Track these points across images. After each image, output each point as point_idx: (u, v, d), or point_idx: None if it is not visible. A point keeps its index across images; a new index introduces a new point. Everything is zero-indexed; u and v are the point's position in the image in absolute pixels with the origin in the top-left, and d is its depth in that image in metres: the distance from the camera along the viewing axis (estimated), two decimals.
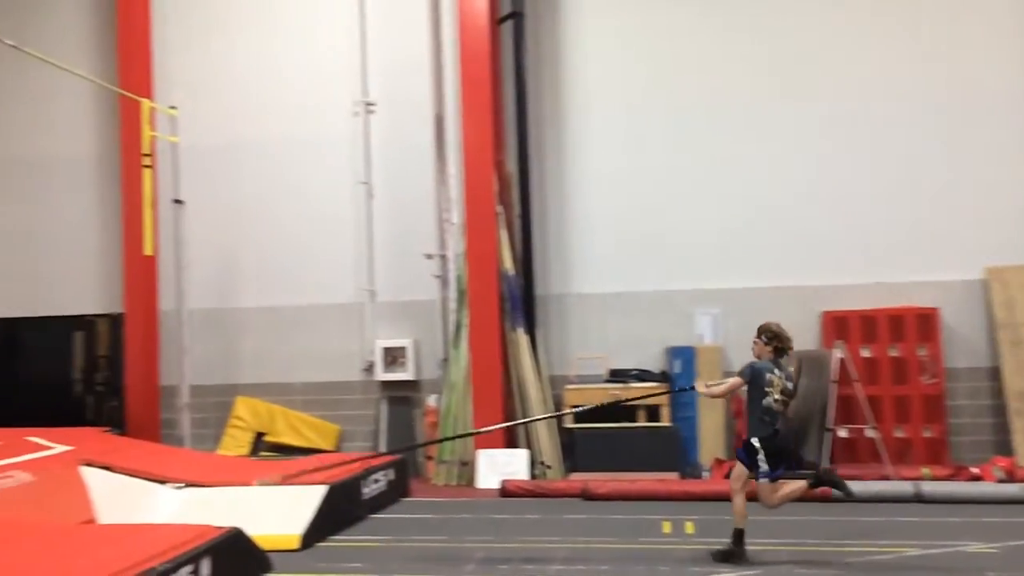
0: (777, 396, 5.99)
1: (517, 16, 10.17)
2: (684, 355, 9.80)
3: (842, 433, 9.23)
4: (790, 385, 6.16)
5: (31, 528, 5.69)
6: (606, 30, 10.43)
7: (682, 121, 10.21)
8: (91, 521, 6.72)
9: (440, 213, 10.36)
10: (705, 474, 9.26)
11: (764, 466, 5.95)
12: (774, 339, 6.11)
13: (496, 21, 10.14)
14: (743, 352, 9.74)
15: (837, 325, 9.61)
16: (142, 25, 10.74)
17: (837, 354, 9.12)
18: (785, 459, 6.18)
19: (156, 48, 10.92)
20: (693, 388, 6.65)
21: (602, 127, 10.35)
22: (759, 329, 6.20)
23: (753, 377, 6.03)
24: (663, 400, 9.53)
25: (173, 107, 10.05)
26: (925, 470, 8.60)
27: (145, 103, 9.59)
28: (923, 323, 9.50)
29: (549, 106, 10.43)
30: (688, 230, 10.14)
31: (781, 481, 6.08)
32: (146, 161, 9.56)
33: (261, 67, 10.98)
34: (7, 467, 7.00)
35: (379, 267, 10.67)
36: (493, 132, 9.85)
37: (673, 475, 8.98)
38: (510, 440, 9.63)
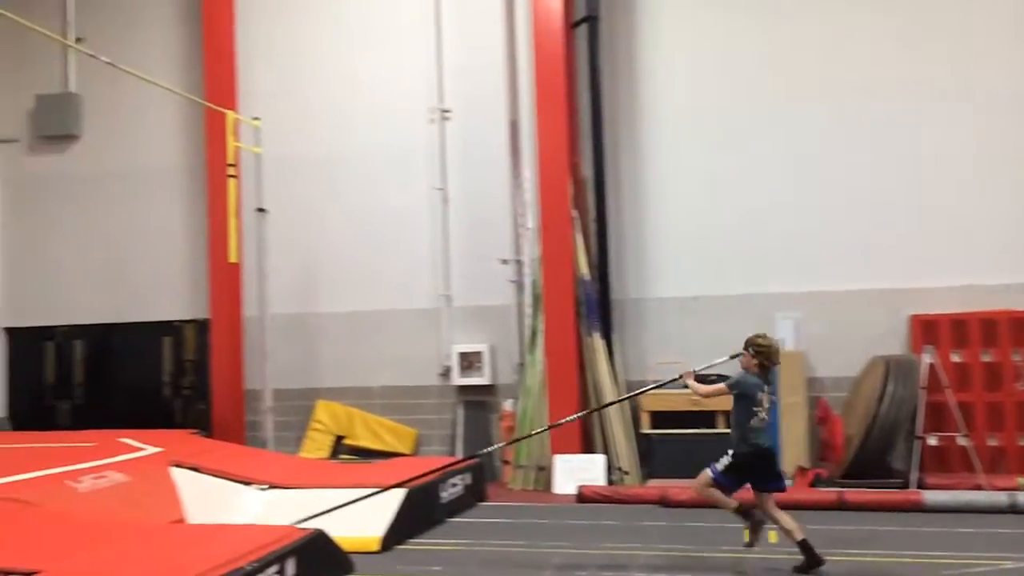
0: (764, 415, 5.90)
1: (592, 19, 10.12)
2: None
3: (932, 441, 8.88)
4: (774, 400, 6.11)
5: (125, 527, 5.90)
6: (682, 31, 10.31)
7: (761, 121, 10.02)
8: (181, 520, 6.93)
9: (515, 218, 10.38)
10: (788, 482, 9.02)
11: (718, 470, 5.93)
12: (760, 353, 5.97)
13: (571, 25, 10.12)
14: (827, 357, 9.64)
15: (926, 329, 9.28)
16: (227, 41, 11.06)
17: (926, 359, 8.79)
18: (755, 477, 5.97)
19: (240, 62, 11.23)
20: (681, 377, 6.42)
21: (679, 128, 10.23)
22: (746, 341, 6.08)
23: (743, 392, 5.94)
24: None
25: (256, 118, 10.32)
26: (1021, 480, 8.25)
27: (230, 115, 9.86)
28: (1018, 327, 9.09)
29: (624, 108, 10.36)
30: (768, 232, 9.93)
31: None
32: (231, 171, 9.82)
33: (340, 78, 11.19)
34: (102, 468, 7.27)
35: (455, 272, 10.75)
36: (568, 136, 9.84)
37: None
38: (587, 445, 9.58)
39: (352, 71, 11.16)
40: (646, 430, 9.50)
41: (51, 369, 12.02)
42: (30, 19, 8.62)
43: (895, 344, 9.32)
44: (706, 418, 9.22)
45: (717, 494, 6.03)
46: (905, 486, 8.36)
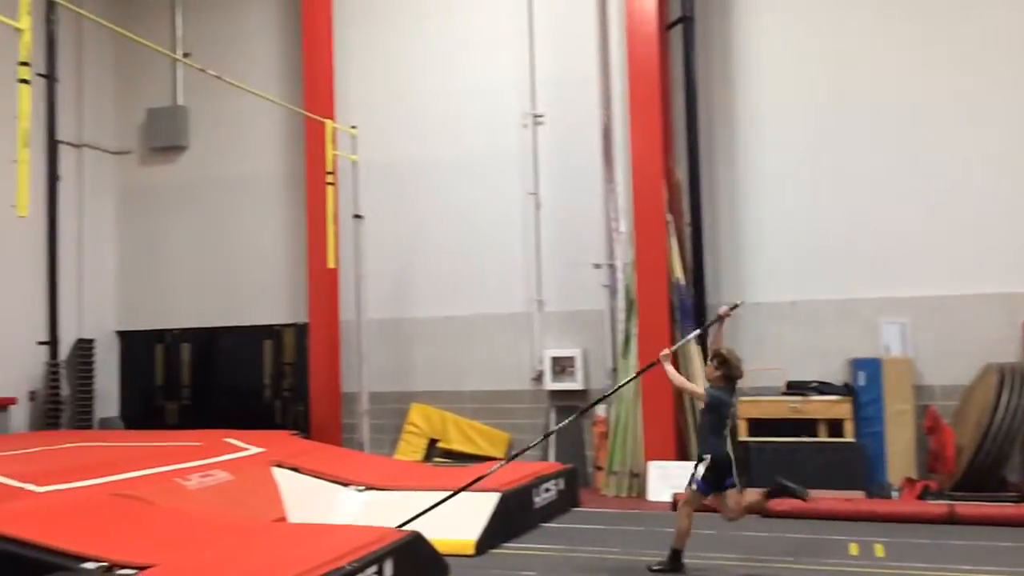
0: (728, 428, 6.19)
1: (687, 20, 9.99)
2: (869, 368, 9.25)
3: None
4: (734, 412, 6.48)
5: (231, 524, 6.09)
6: (779, 30, 10.08)
7: (863, 121, 9.71)
8: (282, 519, 7.12)
9: (608, 222, 10.30)
10: (894, 494, 8.70)
11: (700, 479, 6.08)
12: (723, 365, 6.12)
13: (665, 27, 10.01)
14: (936, 365, 9.24)
15: None
16: (326, 53, 11.34)
17: None
18: (728, 474, 6.20)
19: (338, 72, 11.50)
20: (659, 362, 6.59)
21: (776, 130, 10.00)
22: (712, 352, 6.30)
23: (716, 405, 6.12)
24: (846, 415, 9.07)
25: (354, 127, 10.55)
26: None
27: (328, 124, 10.11)
28: None
29: (720, 110, 10.19)
30: (871, 234, 9.61)
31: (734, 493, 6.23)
32: (329, 179, 10.07)
33: (434, 85, 11.34)
34: (209, 466, 7.51)
35: (547, 277, 10.75)
36: (662, 139, 9.72)
37: (859, 494, 8.50)
38: (682, 452, 9.43)
39: (446, 79, 11.30)
40: (743, 438, 9.29)
41: (160, 371, 12.53)
42: (142, 37, 9.02)
43: (1010, 351, 8.87)
44: (806, 426, 8.96)
45: (746, 499, 6.41)
46: (1021, 500, 7.94)
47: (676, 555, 6.16)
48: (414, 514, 6.50)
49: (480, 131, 11.08)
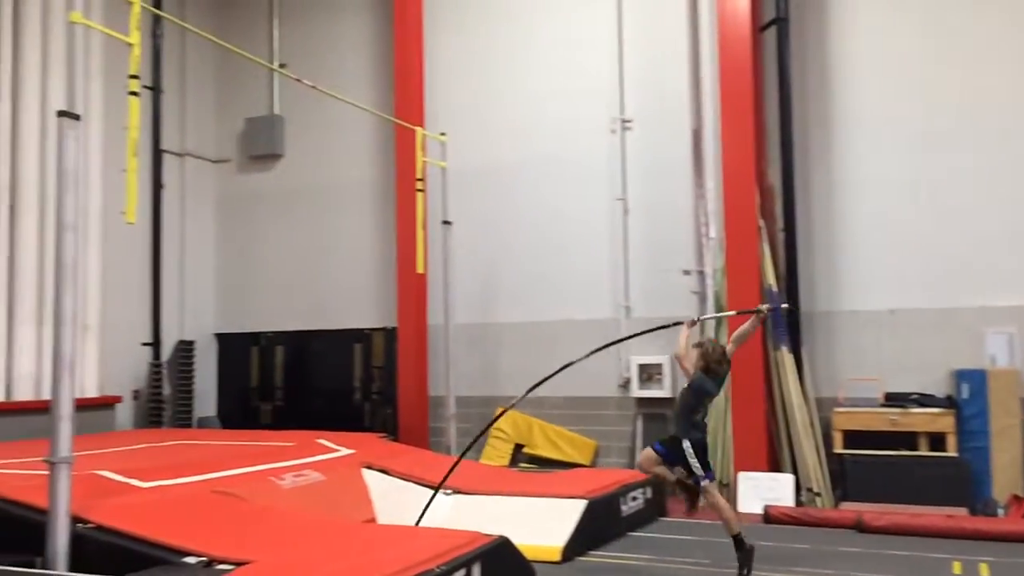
0: (704, 415, 6.56)
1: (781, 21, 9.77)
2: (973, 379, 8.86)
3: None
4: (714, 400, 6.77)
5: (324, 524, 6.21)
6: (877, 30, 9.77)
7: (965, 123, 9.31)
8: (372, 520, 7.23)
9: (698, 228, 10.14)
10: (1000, 512, 8.31)
11: (698, 468, 6.38)
12: (702, 358, 6.44)
13: (758, 28, 9.82)
14: None
15: None
16: (416, 61, 11.51)
17: None
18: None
19: (427, 80, 11.66)
20: (686, 322, 7.00)
21: (874, 132, 9.68)
22: (697, 343, 6.69)
23: (698, 390, 6.46)
24: (949, 429, 8.71)
25: (443, 134, 10.67)
26: None
27: (418, 131, 10.24)
28: None
29: (815, 113, 9.93)
30: (975, 240, 9.20)
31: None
32: (419, 185, 10.19)
33: (522, 91, 11.40)
34: (302, 466, 7.70)
35: (635, 283, 10.65)
36: (755, 143, 9.53)
37: (962, 511, 8.14)
38: (774, 463, 9.21)
39: (534, 85, 11.33)
40: (839, 450, 9.02)
41: (255, 372, 12.89)
42: (241, 49, 9.31)
43: None
44: (906, 439, 8.64)
45: (663, 470, 6.77)
46: None
47: (739, 540, 6.26)
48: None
49: (568, 136, 11.07)
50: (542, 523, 7.00)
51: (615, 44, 10.85)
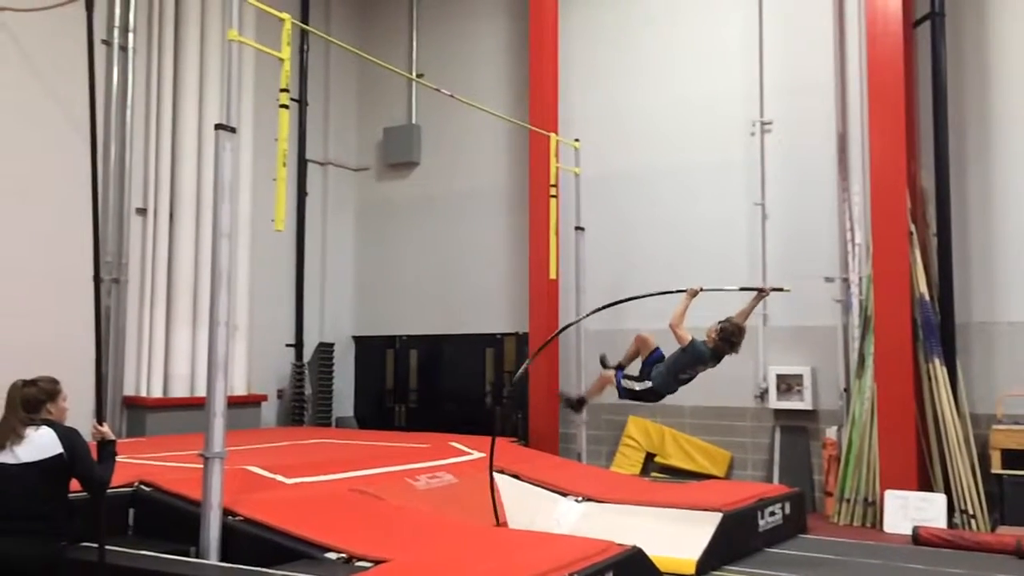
0: (686, 379, 7.26)
1: (935, 16, 9.24)
2: None
3: None
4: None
5: (457, 526, 6.30)
6: None
7: None
8: (504, 524, 7.27)
9: (843, 234, 9.73)
10: None
11: (621, 383, 7.40)
12: (720, 333, 7.08)
13: (911, 24, 9.32)
14: None
15: None
16: (551, 68, 11.54)
17: None
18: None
19: (562, 86, 11.68)
20: (688, 291, 7.53)
21: None
22: (723, 320, 7.20)
23: (693, 354, 7.06)
24: None
25: (577, 140, 10.66)
26: None
27: (552, 137, 10.28)
28: None
29: (972, 112, 9.34)
30: None
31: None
32: (552, 191, 10.22)
33: (656, 96, 11.25)
34: (436, 468, 7.84)
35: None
36: (906, 144, 9.03)
37: None
38: (924, 482, 8.70)
39: (669, 89, 11.17)
40: (996, 470, 8.43)
41: (391, 374, 13.25)
42: (381, 60, 9.61)
43: None
44: None
45: (597, 387, 7.94)
46: None
47: (582, 401, 8.36)
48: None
49: (704, 140, 10.84)
50: (675, 535, 6.86)
51: (755, 45, 10.54)
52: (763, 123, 10.44)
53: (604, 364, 8.03)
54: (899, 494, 8.57)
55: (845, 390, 9.55)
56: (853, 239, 9.60)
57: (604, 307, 8.31)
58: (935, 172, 9.22)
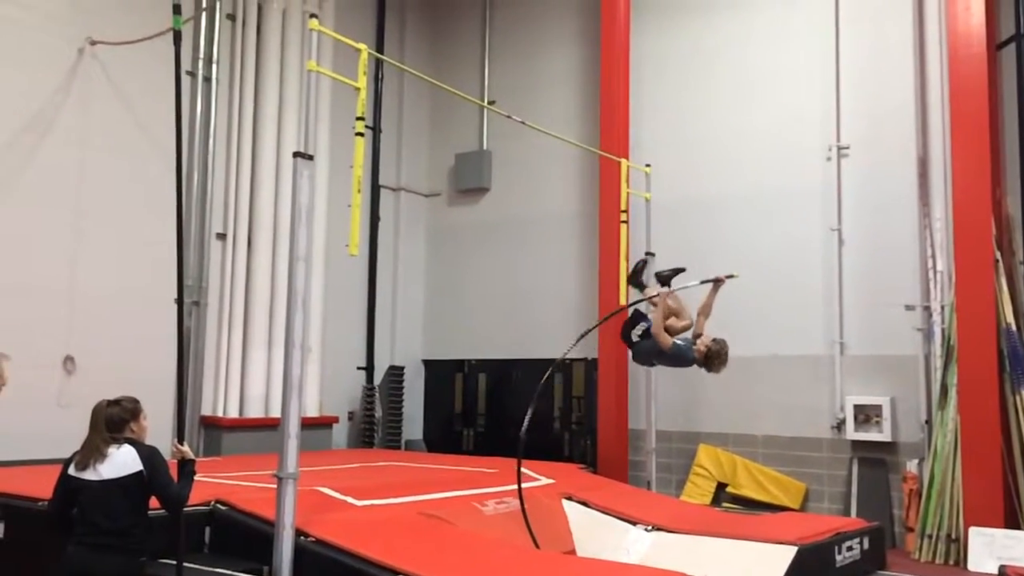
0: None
1: (1021, 39, 8.99)
2: None
3: None
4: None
5: (525, 553, 6.27)
6: None
7: None
8: (572, 552, 7.20)
9: (923, 260, 9.45)
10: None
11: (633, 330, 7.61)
12: (709, 350, 7.15)
13: (994, 46, 9.06)
14: None
15: None
16: (622, 93, 11.54)
17: None
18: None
19: (632, 112, 11.67)
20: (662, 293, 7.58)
21: None
22: (714, 339, 7.22)
23: (681, 358, 7.29)
24: None
25: (647, 165, 10.62)
26: None
27: (623, 163, 10.25)
28: None
29: None
30: None
31: None
32: (622, 217, 10.17)
33: (729, 120, 11.15)
34: (504, 493, 7.81)
35: (850, 318, 10.06)
36: (990, 170, 8.75)
37: None
38: (1010, 519, 8.33)
39: (742, 113, 11.06)
40: None
41: (459, 398, 13.29)
42: (453, 88, 9.74)
43: None
44: None
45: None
46: None
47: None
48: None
49: (778, 165, 10.69)
50: (748, 568, 6.70)
51: (831, 69, 10.39)
52: (840, 147, 10.24)
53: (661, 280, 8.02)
54: (984, 531, 8.23)
55: (926, 421, 9.24)
56: (935, 266, 9.32)
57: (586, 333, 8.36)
58: (1021, 198, 8.90)
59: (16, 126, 9.26)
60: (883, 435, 9.65)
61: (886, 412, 9.65)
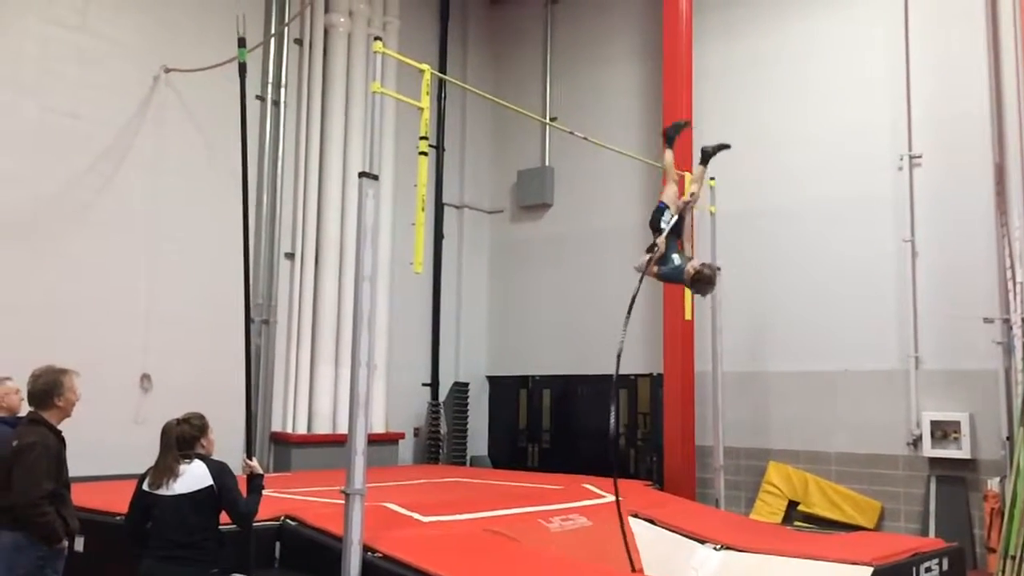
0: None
1: None
2: None
3: None
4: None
5: (592, 571, 6.21)
6: None
7: None
8: (639, 571, 7.10)
9: (1001, 272, 9.13)
10: None
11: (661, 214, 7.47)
12: (699, 272, 7.20)
13: None
14: None
15: None
16: (685, 108, 11.45)
17: None
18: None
19: (695, 125, 11.54)
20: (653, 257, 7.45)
21: None
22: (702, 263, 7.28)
23: (672, 276, 7.45)
24: None
25: (712, 178, 10.50)
26: None
27: (686, 176, 10.15)
28: None
29: None
30: None
31: None
32: None
33: (794, 131, 10.99)
34: (569, 510, 7.74)
35: (925, 331, 9.77)
36: None
37: None
38: None
39: (808, 123, 10.89)
40: None
41: (524, 414, 13.29)
42: (515, 105, 9.80)
43: None
44: None
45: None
46: None
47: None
48: None
49: (847, 175, 10.47)
50: None
51: (901, 75, 10.16)
52: (912, 156, 9.99)
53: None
54: None
55: (1008, 438, 8.90)
56: (1014, 277, 8.99)
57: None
58: None
59: (96, 152, 9.63)
60: (962, 452, 9.34)
61: (965, 428, 9.33)
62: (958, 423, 9.39)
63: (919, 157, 9.96)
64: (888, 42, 10.33)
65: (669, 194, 7.61)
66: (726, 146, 8.10)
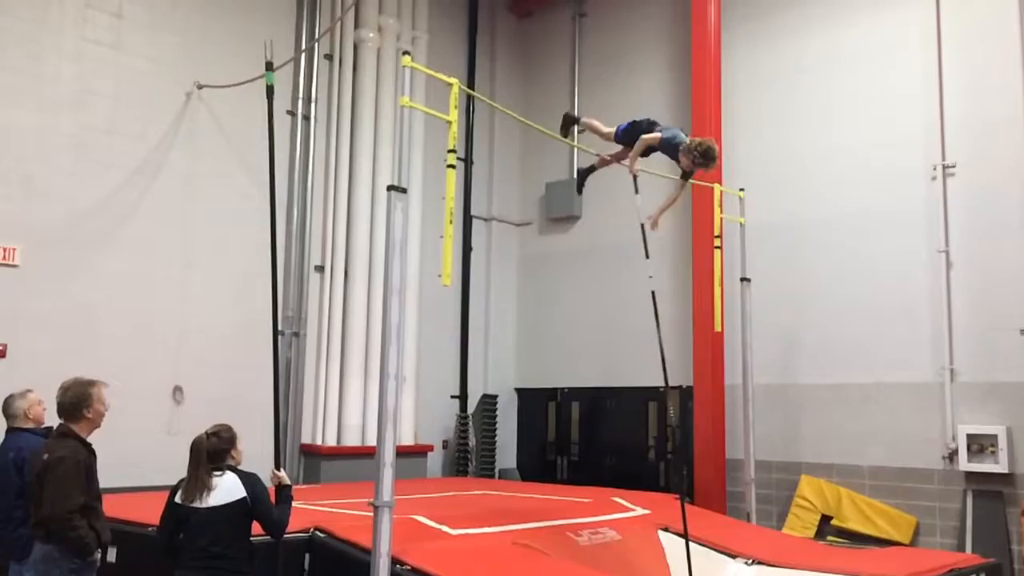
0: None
1: None
2: None
3: None
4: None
5: None
6: None
7: None
8: None
9: None
10: None
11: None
12: (696, 154, 7.34)
13: None
14: None
15: None
16: (714, 121, 11.41)
17: None
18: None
19: (725, 136, 11.52)
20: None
21: None
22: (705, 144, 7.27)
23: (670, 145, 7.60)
24: None
25: (741, 189, 10.46)
26: None
27: (716, 187, 10.12)
28: None
29: None
30: None
31: None
32: (716, 242, 10.02)
33: (825, 141, 10.89)
34: (598, 524, 7.71)
35: (960, 344, 9.62)
36: None
37: None
38: None
39: (838, 133, 10.79)
40: None
41: (552, 427, 13.25)
42: (543, 117, 9.82)
43: None
44: None
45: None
46: None
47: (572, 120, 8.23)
48: None
49: (878, 187, 10.36)
50: None
51: (934, 85, 10.05)
52: (945, 166, 9.87)
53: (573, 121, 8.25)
54: None
55: None
56: None
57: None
58: None
59: (131, 167, 9.79)
60: (999, 466, 9.17)
61: (1002, 442, 9.17)
62: (995, 436, 9.23)
63: (953, 167, 9.83)
64: (920, 50, 10.23)
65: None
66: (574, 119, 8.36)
